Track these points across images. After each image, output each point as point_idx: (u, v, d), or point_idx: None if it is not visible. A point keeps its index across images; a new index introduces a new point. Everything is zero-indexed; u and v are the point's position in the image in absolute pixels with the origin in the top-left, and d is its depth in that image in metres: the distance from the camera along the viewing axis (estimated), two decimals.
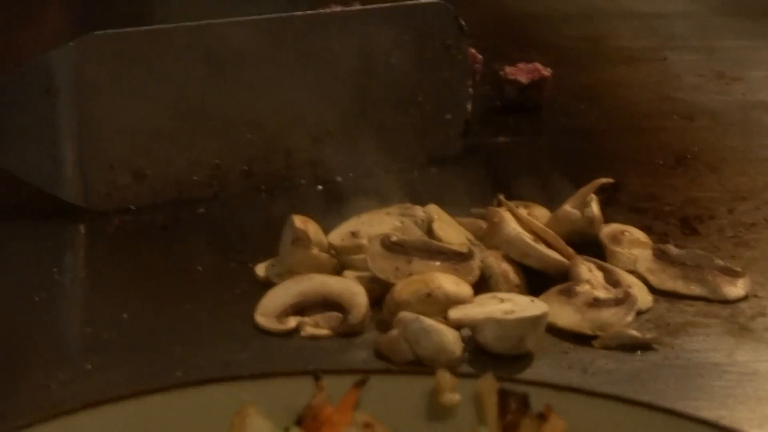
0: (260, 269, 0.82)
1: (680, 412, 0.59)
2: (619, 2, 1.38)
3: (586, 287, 0.79)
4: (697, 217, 0.92)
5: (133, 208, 0.91)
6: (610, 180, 0.89)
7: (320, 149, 0.95)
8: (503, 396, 0.59)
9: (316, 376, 0.59)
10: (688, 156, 1.01)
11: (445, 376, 0.59)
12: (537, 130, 1.06)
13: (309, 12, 0.98)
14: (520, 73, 1.10)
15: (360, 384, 0.59)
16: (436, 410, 0.59)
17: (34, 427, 0.56)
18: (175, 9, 1.35)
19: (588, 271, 0.81)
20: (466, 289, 0.78)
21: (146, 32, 0.94)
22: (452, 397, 0.59)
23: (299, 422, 0.56)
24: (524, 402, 0.58)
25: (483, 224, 0.85)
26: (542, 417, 0.57)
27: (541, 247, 0.82)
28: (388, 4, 0.99)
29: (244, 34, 0.95)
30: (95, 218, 0.90)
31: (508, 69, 1.10)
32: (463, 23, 0.98)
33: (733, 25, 1.34)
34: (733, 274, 0.83)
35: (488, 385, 0.59)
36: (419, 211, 0.86)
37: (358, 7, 1.00)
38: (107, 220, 0.90)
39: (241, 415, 0.55)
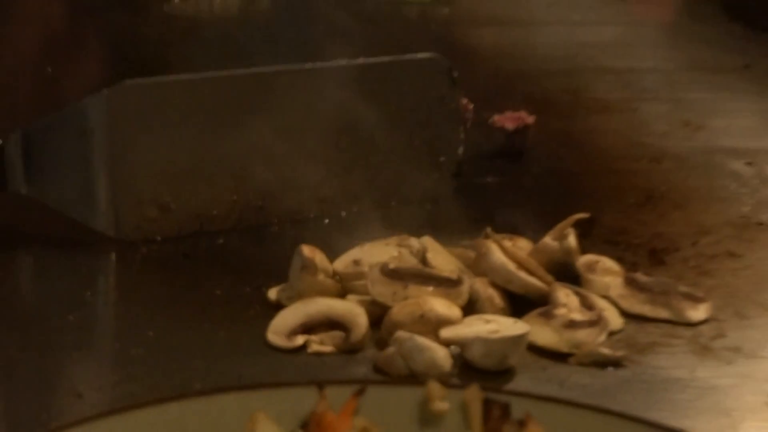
0: (272, 293, 0.82)
1: (647, 420, 0.59)
2: (596, 59, 1.38)
3: (563, 310, 0.79)
4: (663, 249, 0.92)
5: (158, 238, 0.91)
6: (586, 215, 0.89)
7: (326, 187, 0.95)
8: (487, 405, 0.59)
9: (320, 386, 0.59)
10: (656, 195, 1.02)
11: (435, 387, 0.59)
12: (521, 172, 1.06)
13: (318, 65, 0.99)
14: (507, 120, 1.10)
15: (359, 393, 0.59)
16: (427, 417, 0.59)
17: (66, 430, 0.56)
18: (199, 58, 1.36)
19: (565, 296, 0.81)
20: (455, 312, 0.78)
21: (173, 81, 0.94)
22: (441, 405, 0.59)
23: (304, 427, 0.56)
24: (506, 410, 0.58)
25: (472, 254, 0.85)
26: (522, 424, 0.57)
27: (524, 275, 0.82)
28: (388, 58, 1.00)
29: (261, 84, 0.96)
30: (125, 247, 0.90)
31: (496, 117, 1.10)
32: (455, 75, 0.98)
33: (698, 80, 1.34)
34: (695, 300, 0.83)
35: (474, 394, 0.59)
36: (415, 242, 0.86)
37: (361, 60, 1.00)
38: (135, 249, 0.90)
39: (253, 421, 0.55)
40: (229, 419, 0.55)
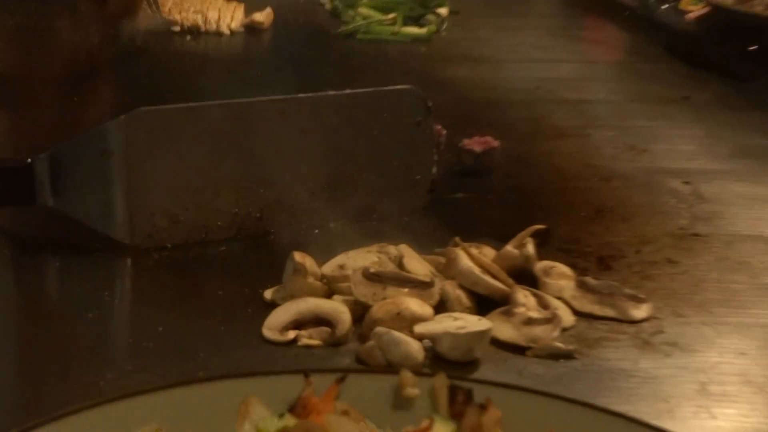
0: (267, 293, 0.82)
1: (595, 405, 0.59)
2: (553, 92, 1.38)
3: (522, 309, 0.79)
4: (610, 256, 0.92)
5: (168, 246, 0.91)
6: (543, 227, 0.89)
7: (316, 202, 0.95)
8: (453, 390, 0.59)
9: (306, 374, 0.59)
10: (605, 209, 1.02)
11: (407, 375, 0.59)
12: (487, 189, 1.07)
13: (309, 95, 0.99)
14: (475, 144, 1.10)
15: (340, 380, 0.59)
16: (400, 401, 0.59)
17: (84, 411, 0.56)
18: (206, 89, 1.36)
19: (524, 296, 0.81)
20: (428, 310, 0.78)
21: (182, 109, 0.94)
22: (413, 391, 0.59)
23: (292, 410, 0.56)
24: (469, 395, 0.58)
25: (442, 260, 0.85)
26: (483, 407, 0.57)
27: (488, 278, 0.82)
28: (371, 89, 1.00)
29: (259, 111, 0.96)
30: (139, 254, 0.90)
31: (466, 141, 1.10)
32: (430, 104, 0.98)
33: (643, 110, 1.34)
34: (638, 301, 0.83)
35: (441, 381, 0.59)
36: (393, 249, 0.86)
37: (348, 91, 1.00)
38: (148, 255, 0.90)
39: (245, 404, 0.55)
40: (226, 402, 0.55)
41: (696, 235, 0.98)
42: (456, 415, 0.56)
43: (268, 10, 1.63)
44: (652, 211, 1.03)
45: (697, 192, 1.07)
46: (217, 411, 0.54)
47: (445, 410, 0.57)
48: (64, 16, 1.61)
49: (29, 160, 0.90)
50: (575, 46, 1.73)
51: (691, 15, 1.67)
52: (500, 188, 1.08)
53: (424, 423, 0.55)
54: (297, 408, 0.56)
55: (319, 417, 0.53)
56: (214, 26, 1.58)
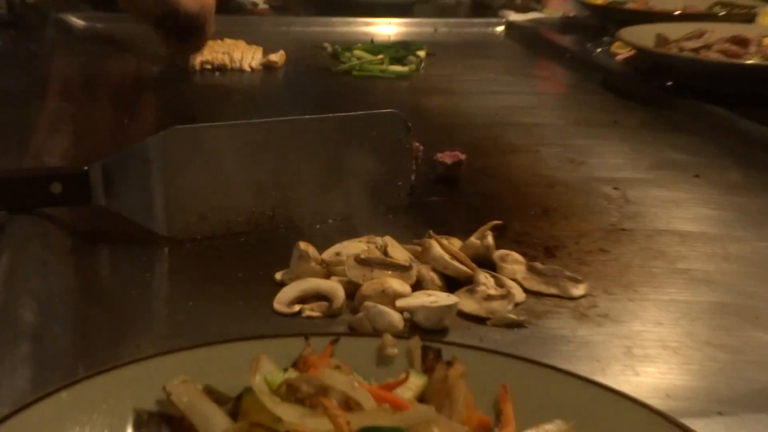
0: (278, 275, 0.82)
1: (541, 362, 0.59)
2: (509, 117, 1.38)
3: (482, 288, 0.79)
4: (554, 246, 0.92)
5: (198, 237, 0.91)
6: (500, 222, 0.90)
7: (317, 203, 0.95)
8: (425, 350, 0.59)
9: (306, 337, 0.59)
10: (550, 210, 1.02)
11: (388, 338, 0.59)
12: (456, 193, 1.07)
13: (313, 116, 1.00)
14: (446, 157, 1.10)
15: (333, 342, 0.59)
16: (382, 359, 0.59)
17: (128, 366, 0.56)
18: (231, 113, 1.37)
19: (484, 278, 0.81)
20: (407, 288, 0.78)
21: (210, 127, 0.94)
22: (393, 351, 0.59)
23: (294, 365, 0.56)
24: (438, 354, 0.58)
25: (419, 249, 0.85)
26: (449, 364, 0.57)
27: (455, 263, 0.82)
28: (363, 113, 1.00)
29: (273, 129, 0.95)
30: (174, 244, 0.90)
31: (438, 154, 1.10)
32: (410, 125, 0.98)
33: (580, 131, 1.35)
34: (576, 281, 0.83)
35: (416, 343, 0.59)
36: (379, 240, 0.86)
37: (344, 114, 0.99)
38: (182, 245, 0.90)
39: (257, 360, 0.55)
40: (242, 359, 0.54)
41: (623, 229, 0.98)
42: (428, 370, 0.56)
43: (281, 52, 1.63)
44: (587, 210, 1.03)
45: (624, 196, 1.07)
46: (234, 366, 0.54)
47: (418, 366, 0.57)
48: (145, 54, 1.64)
49: (86, 168, 0.90)
50: (528, 82, 1.73)
51: (620, 57, 1.67)
52: (466, 192, 1.08)
53: (402, 376, 0.55)
54: (299, 364, 0.55)
55: (317, 371, 0.53)
56: (238, 65, 1.58)
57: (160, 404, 0.53)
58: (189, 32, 1.56)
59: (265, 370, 0.53)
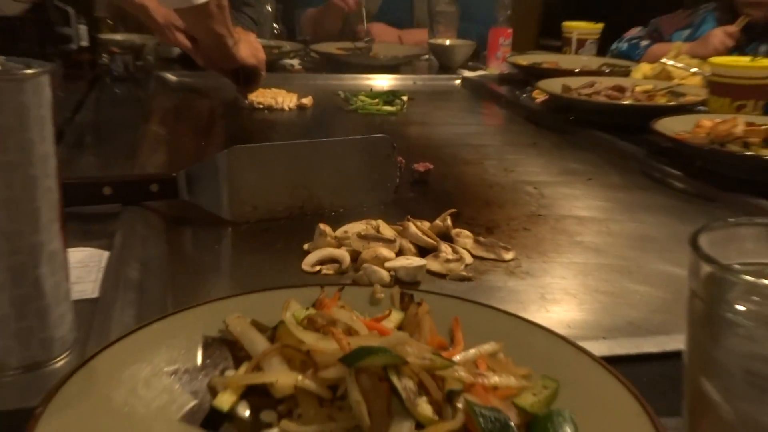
0: (305, 246, 0.81)
1: (482, 303, 0.58)
2: (464, 140, 1.37)
3: (443, 254, 0.78)
4: (492, 227, 0.91)
5: (251, 221, 0.89)
6: (455, 210, 0.88)
7: (332, 198, 0.94)
8: (402, 295, 0.58)
9: (322, 287, 0.58)
10: (490, 202, 1.01)
11: (377, 287, 0.58)
12: (426, 192, 1.05)
13: (330, 139, 0.98)
14: (420, 166, 1.09)
15: (340, 290, 0.58)
16: (373, 301, 0.58)
17: (202, 306, 0.55)
18: (274, 137, 1.36)
19: (445, 248, 0.79)
20: (392, 254, 0.76)
21: (259, 146, 0.93)
22: (380, 296, 0.58)
23: (313, 305, 0.55)
24: (411, 298, 0.58)
25: (401, 228, 0.83)
26: (419, 304, 0.56)
27: (425, 237, 0.80)
28: (363, 137, 0.99)
29: (304, 148, 0.94)
30: (235, 225, 0.88)
31: (415, 165, 1.09)
32: (395, 145, 0.97)
33: (511, 150, 1.33)
34: (507, 249, 0.81)
35: (396, 291, 0.58)
36: (374, 222, 0.85)
37: (351, 137, 0.98)
38: (240, 226, 0.89)
39: (288, 302, 0.54)
40: (278, 302, 0.53)
41: (539, 215, 0.97)
42: (404, 308, 0.55)
43: (310, 97, 1.62)
44: (515, 203, 1.01)
45: (540, 193, 1.06)
46: (273, 307, 0.53)
47: (398, 306, 0.56)
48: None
49: (174, 174, 0.89)
50: (476, 117, 1.72)
51: (538, 100, 1.66)
52: (433, 191, 1.07)
53: (386, 312, 0.54)
54: (316, 305, 0.54)
55: (329, 309, 0.52)
56: (280, 105, 1.57)
57: (222, 332, 0.52)
58: (249, 78, 1.59)
59: (293, 309, 0.52)
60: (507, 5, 2.12)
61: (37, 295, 0.53)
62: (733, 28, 2.03)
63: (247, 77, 1.59)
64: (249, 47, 1.55)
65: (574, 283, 0.77)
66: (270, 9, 2.49)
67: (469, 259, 0.80)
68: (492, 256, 0.81)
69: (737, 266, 0.34)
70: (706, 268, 0.33)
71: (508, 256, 0.81)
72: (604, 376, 0.47)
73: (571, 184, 1.12)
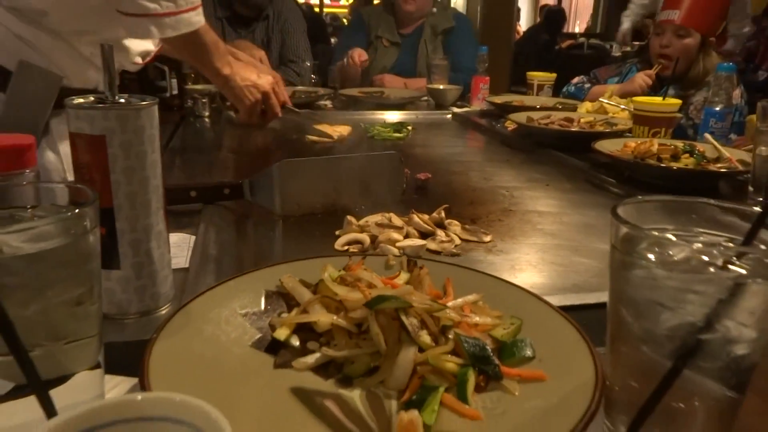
0: (337, 232, 0.82)
1: (469, 267, 0.59)
2: (454, 157, 1.37)
3: (439, 237, 0.79)
4: (476, 218, 0.92)
5: (297, 215, 0.90)
6: (447, 206, 0.90)
7: (357, 199, 0.94)
8: (408, 262, 0.59)
9: (350, 256, 0.59)
10: (474, 201, 1.01)
11: (390, 257, 0.60)
12: (426, 194, 1.06)
13: (356, 155, 0.98)
14: (421, 175, 1.09)
15: (363, 258, 0.59)
16: (387, 267, 0.59)
17: (261, 269, 0.57)
18: (320, 154, 1.37)
19: (440, 233, 0.81)
20: (401, 237, 0.78)
21: (303, 160, 0.93)
22: (392, 263, 0.60)
23: (344, 269, 0.57)
24: (415, 263, 0.59)
25: (407, 219, 0.85)
26: (421, 268, 0.57)
27: (426, 225, 0.82)
28: (379, 153, 1.00)
29: (339, 162, 0.95)
30: (285, 218, 0.89)
31: (417, 174, 1.09)
32: (402, 160, 0.98)
33: (490, 164, 1.32)
34: (486, 234, 0.83)
35: (403, 259, 0.60)
36: (387, 215, 0.85)
37: (371, 153, 0.99)
38: (288, 218, 0.89)
39: (325, 267, 0.55)
40: (318, 267, 0.55)
41: (510, 210, 0.98)
42: (410, 271, 0.57)
43: (348, 127, 1.61)
44: (492, 201, 1.03)
45: (511, 195, 1.07)
46: (314, 271, 0.55)
47: (405, 269, 0.58)
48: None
49: (241, 181, 0.91)
50: (463, 142, 1.72)
51: (510, 128, 1.67)
52: (431, 193, 1.07)
53: (396, 274, 0.56)
54: (346, 268, 0.56)
55: (355, 271, 0.54)
56: (338, 134, 1.55)
57: (278, 287, 0.54)
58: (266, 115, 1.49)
59: (329, 271, 0.54)
60: (485, 60, 2.14)
61: (149, 262, 0.56)
62: (650, 72, 2.06)
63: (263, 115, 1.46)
64: (248, 81, 1.37)
65: (536, 257, 0.78)
66: (309, 64, 2.52)
67: (457, 241, 0.82)
68: (475, 238, 0.83)
69: (644, 227, 0.37)
70: (623, 229, 0.35)
71: (487, 238, 0.83)
72: (555, 316, 0.49)
73: (534, 188, 1.13)
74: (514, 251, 0.80)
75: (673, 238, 0.35)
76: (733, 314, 0.32)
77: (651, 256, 0.34)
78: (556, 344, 0.46)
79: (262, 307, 0.53)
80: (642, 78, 2.03)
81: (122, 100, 0.53)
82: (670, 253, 0.33)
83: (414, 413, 0.38)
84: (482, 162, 1.39)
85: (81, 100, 0.53)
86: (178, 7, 1.00)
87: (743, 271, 0.32)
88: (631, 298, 0.35)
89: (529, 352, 0.46)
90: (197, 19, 1.05)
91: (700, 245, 0.33)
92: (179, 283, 0.62)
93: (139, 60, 1.18)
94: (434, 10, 2.64)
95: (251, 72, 1.39)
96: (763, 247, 0.33)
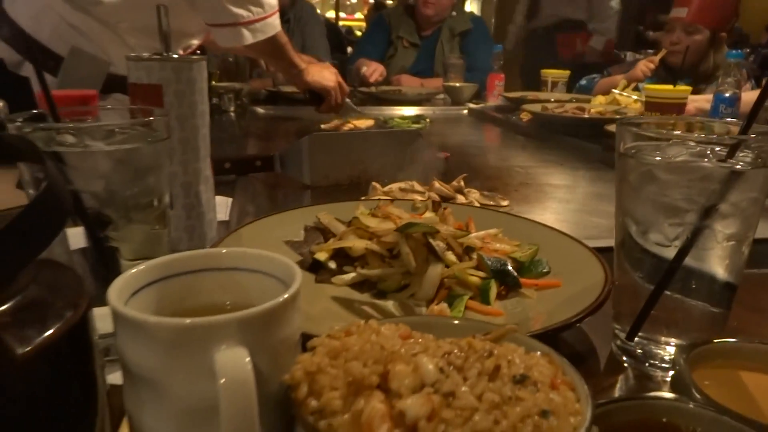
0: (363, 198, 0.85)
1: (487, 208, 0.63)
2: (472, 145, 1.41)
3: (458, 201, 0.84)
4: (493, 189, 0.95)
5: (325, 185, 0.94)
6: (466, 175, 0.93)
7: (381, 168, 0.98)
8: (434, 203, 0.63)
9: (380, 200, 0.63)
10: (490, 176, 1.05)
11: (417, 199, 0.64)
12: (446, 171, 1.08)
13: (381, 130, 1.03)
14: (441, 154, 1.13)
15: (392, 201, 0.63)
16: (414, 208, 0.63)
17: (302, 208, 0.61)
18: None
19: (460, 197, 0.85)
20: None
21: (331, 134, 0.98)
22: (419, 205, 0.63)
23: (375, 208, 0.61)
24: (439, 204, 0.62)
25: (428, 186, 0.88)
26: (445, 208, 0.61)
27: (446, 190, 0.85)
28: (398, 129, 1.03)
29: (362, 137, 1.00)
30: (313, 189, 0.93)
31: (440, 153, 1.13)
32: (421, 135, 1.02)
33: (506, 150, 1.36)
34: (504, 198, 0.87)
35: (429, 201, 0.63)
36: (409, 182, 0.89)
37: (396, 129, 1.03)
38: (316, 188, 0.93)
39: (357, 205, 0.60)
40: (350, 210, 0.59)
41: (526, 183, 1.02)
42: (435, 209, 0.61)
43: (371, 121, 1.64)
44: (509, 176, 1.06)
45: (526, 172, 1.11)
46: (347, 211, 0.60)
47: (431, 209, 0.62)
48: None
49: (272, 154, 0.96)
50: (479, 133, 1.75)
51: (525, 119, 1.71)
52: (450, 170, 1.10)
53: (422, 211, 0.61)
54: (377, 207, 0.61)
55: (386, 209, 0.58)
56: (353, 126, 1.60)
57: (315, 223, 0.59)
58: (318, 98, 1.58)
59: (361, 209, 0.59)
60: (500, 57, 2.20)
61: (197, 204, 0.61)
62: (654, 58, 2.10)
63: (316, 98, 1.57)
64: (319, 74, 1.51)
65: (551, 218, 0.82)
66: (328, 64, 2.60)
67: (476, 205, 0.84)
68: (492, 203, 0.86)
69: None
70: (630, 137, 0.40)
71: (504, 203, 0.87)
72: (568, 241, 0.54)
73: (548, 167, 1.17)
74: (530, 213, 0.83)
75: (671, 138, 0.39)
76: (724, 202, 0.36)
77: (655, 159, 0.38)
78: (569, 261, 0.50)
79: (302, 238, 0.58)
80: (644, 64, 2.07)
81: (176, 56, 0.59)
82: (670, 153, 0.38)
83: (443, 305, 0.43)
84: (498, 147, 1.43)
85: (141, 54, 0.59)
86: (266, 11, 1.10)
87: (727, 165, 0.36)
88: (635, 202, 0.39)
89: (545, 269, 0.50)
90: (278, 21, 1.16)
91: (694, 143, 0.38)
92: (221, 231, 0.68)
93: (180, 52, 1.25)
94: (453, 13, 2.71)
95: (319, 66, 1.54)
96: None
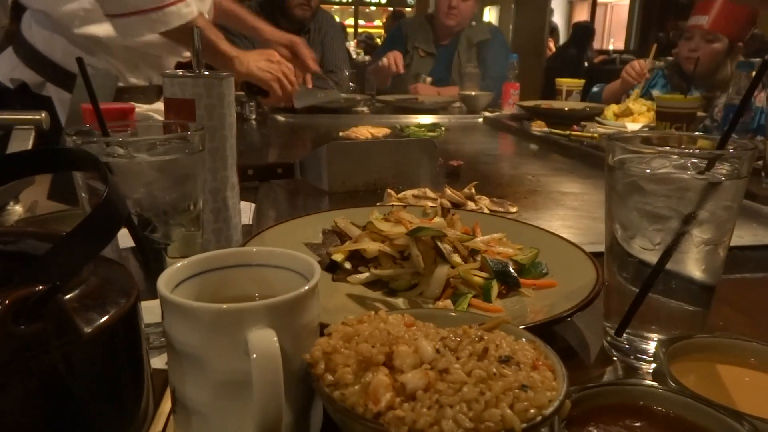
0: (378, 204, 0.89)
1: (493, 214, 0.66)
2: (485, 152, 1.43)
3: (469, 208, 0.87)
4: (502, 196, 0.98)
5: (341, 192, 0.98)
6: (476, 183, 0.96)
7: (395, 177, 1.01)
8: (443, 209, 0.67)
9: (393, 206, 0.67)
10: (500, 183, 1.08)
11: (427, 205, 0.67)
12: (458, 179, 1.11)
13: (395, 140, 1.06)
14: (454, 162, 1.15)
15: (404, 207, 0.67)
16: (425, 213, 0.67)
17: (320, 213, 0.66)
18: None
19: (470, 204, 0.88)
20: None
21: (348, 142, 1.01)
22: (429, 211, 0.67)
23: (388, 214, 0.65)
24: (449, 211, 0.66)
25: (440, 193, 0.91)
26: (453, 214, 0.64)
27: (457, 197, 0.89)
28: (418, 139, 1.07)
29: (379, 145, 1.03)
30: (331, 195, 0.97)
31: (450, 161, 1.15)
32: (436, 144, 1.05)
33: (518, 157, 1.38)
34: (512, 205, 0.90)
35: (438, 207, 0.67)
36: (422, 190, 0.93)
37: (410, 139, 1.06)
38: (333, 194, 0.97)
39: (372, 211, 0.64)
40: (365, 214, 0.63)
41: (536, 191, 1.05)
42: (444, 215, 0.65)
43: (387, 129, 1.68)
44: (519, 184, 1.10)
45: (537, 180, 1.14)
46: (362, 216, 0.64)
47: (440, 214, 0.66)
48: None
49: (293, 161, 1.00)
50: (494, 141, 1.78)
51: (536, 129, 1.73)
52: (462, 178, 1.13)
53: (432, 216, 0.65)
54: (390, 213, 0.65)
55: (398, 215, 0.62)
56: (370, 136, 1.64)
57: (332, 227, 0.64)
58: (259, 90, 1.45)
59: (375, 214, 0.63)
60: (515, 67, 2.23)
61: (224, 208, 0.66)
62: (634, 63, 2.14)
63: (258, 89, 1.44)
64: (254, 64, 1.33)
65: (557, 224, 0.85)
66: (347, 73, 2.65)
67: (486, 211, 0.88)
68: (501, 209, 0.90)
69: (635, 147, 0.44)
70: (617, 149, 0.44)
71: (513, 209, 0.90)
72: (566, 246, 0.58)
73: (559, 175, 1.20)
74: (538, 219, 0.87)
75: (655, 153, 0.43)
76: (702, 210, 0.39)
77: (641, 172, 0.42)
78: (567, 264, 0.54)
79: (321, 240, 0.62)
80: (626, 71, 2.11)
81: (206, 73, 0.64)
82: (653, 165, 0.41)
83: (447, 301, 0.47)
84: (511, 155, 1.46)
85: (175, 71, 0.64)
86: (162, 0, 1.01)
87: (707, 177, 0.40)
88: (622, 209, 0.43)
89: (544, 271, 0.54)
90: (187, 11, 1.06)
91: (676, 156, 0.41)
92: (246, 233, 0.72)
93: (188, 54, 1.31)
94: (473, 23, 2.75)
95: (256, 54, 1.37)
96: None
